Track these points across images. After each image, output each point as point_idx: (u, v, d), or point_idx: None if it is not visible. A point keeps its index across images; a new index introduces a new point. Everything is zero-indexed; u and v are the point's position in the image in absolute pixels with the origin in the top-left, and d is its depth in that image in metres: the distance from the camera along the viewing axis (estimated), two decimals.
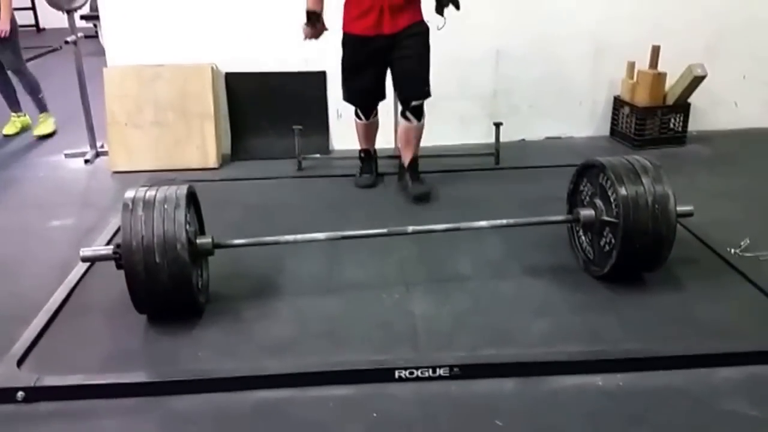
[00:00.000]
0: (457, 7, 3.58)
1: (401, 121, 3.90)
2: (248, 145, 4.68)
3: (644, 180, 2.71)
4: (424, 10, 3.68)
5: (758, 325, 2.64)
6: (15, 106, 5.48)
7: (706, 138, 4.79)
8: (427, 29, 3.70)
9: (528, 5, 4.64)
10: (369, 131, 4.10)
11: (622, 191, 2.69)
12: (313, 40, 3.78)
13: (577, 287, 2.90)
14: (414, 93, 3.79)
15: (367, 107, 3.95)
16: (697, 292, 2.86)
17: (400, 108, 3.90)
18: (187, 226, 2.59)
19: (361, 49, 3.72)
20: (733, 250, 3.12)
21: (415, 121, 3.85)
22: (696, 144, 4.72)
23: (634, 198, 2.68)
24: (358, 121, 4.04)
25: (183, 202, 2.60)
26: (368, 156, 4.19)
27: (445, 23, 3.59)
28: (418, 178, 3.95)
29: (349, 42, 3.76)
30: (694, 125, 4.79)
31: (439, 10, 3.59)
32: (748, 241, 3.16)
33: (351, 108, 3.99)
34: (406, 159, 3.99)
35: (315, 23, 3.70)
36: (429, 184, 3.93)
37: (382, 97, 3.93)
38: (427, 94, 3.80)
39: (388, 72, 3.82)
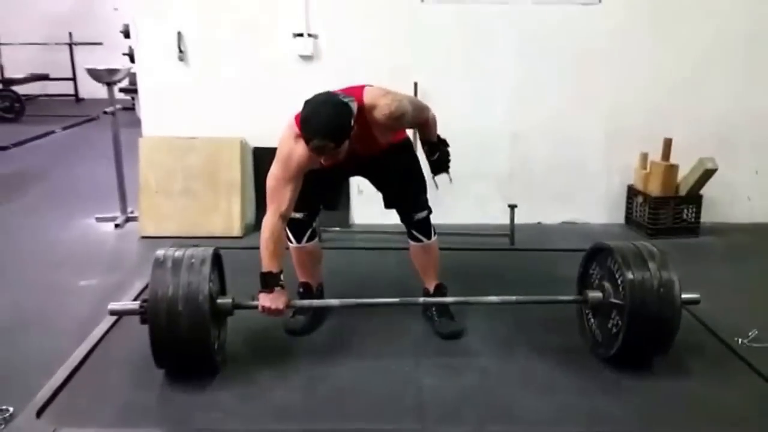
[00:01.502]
0: (447, 171, 3.31)
1: (410, 243, 3.38)
2: None
3: (650, 265, 2.80)
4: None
5: (762, 414, 2.66)
6: None
7: (720, 230, 4.85)
8: (410, 143, 3.32)
9: (542, 92, 4.81)
10: (304, 259, 3.38)
11: (629, 275, 2.77)
12: (274, 317, 2.93)
13: (584, 369, 2.94)
14: (412, 206, 3.29)
15: (306, 210, 3.23)
16: (703, 380, 2.89)
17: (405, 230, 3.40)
18: (210, 284, 2.73)
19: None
20: (740, 340, 3.15)
21: (424, 240, 3.32)
22: (709, 236, 4.78)
23: (641, 281, 2.76)
24: (290, 245, 3.27)
25: (208, 261, 2.77)
26: (307, 292, 3.42)
27: (450, 177, 3.35)
28: (447, 311, 3.35)
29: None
30: (708, 217, 4.86)
31: (435, 174, 3.31)
32: (756, 332, 3.19)
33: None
34: (430, 285, 3.42)
35: (273, 287, 2.85)
36: (460, 321, 3.33)
37: (332, 207, 3.56)
38: (426, 206, 3.32)
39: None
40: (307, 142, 2.71)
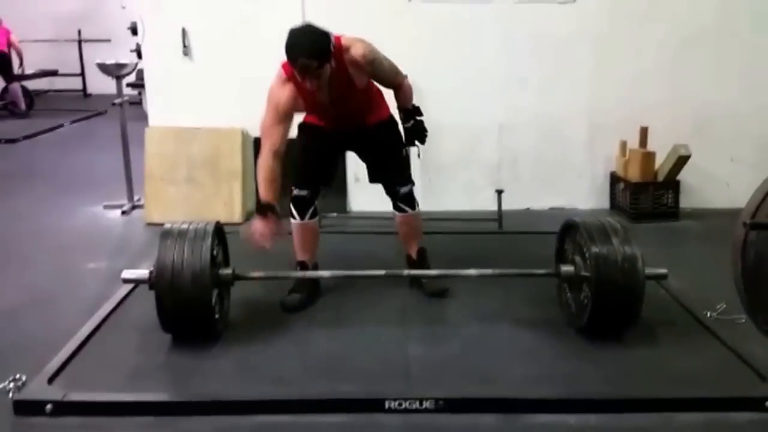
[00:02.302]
0: (422, 140, 3.57)
1: (396, 214, 3.66)
2: None
3: (614, 240, 2.98)
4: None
5: (722, 377, 2.83)
6: None
7: (699, 215, 5.02)
8: (395, 122, 3.59)
9: (527, 86, 5.00)
10: (306, 236, 3.60)
11: (594, 248, 2.96)
12: (265, 245, 3.15)
13: (561, 339, 3.13)
14: (396, 180, 3.58)
15: (309, 187, 3.54)
16: (670, 348, 3.07)
17: (391, 202, 3.68)
18: (213, 252, 2.98)
19: (321, 133, 3.50)
20: (709, 313, 3.32)
21: (408, 210, 3.62)
22: (689, 219, 4.95)
23: (605, 255, 2.93)
24: (292, 221, 3.56)
25: (210, 232, 3.02)
26: (303, 270, 3.61)
27: (420, 152, 3.68)
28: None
29: (309, 126, 3.54)
30: (688, 202, 5.05)
31: (408, 144, 3.58)
32: (725, 305, 3.34)
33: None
34: (412, 251, 3.72)
35: (267, 215, 3.14)
36: (444, 282, 3.63)
37: (328, 183, 3.68)
38: (410, 180, 3.62)
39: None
40: (293, 63, 3.05)
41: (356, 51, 3.20)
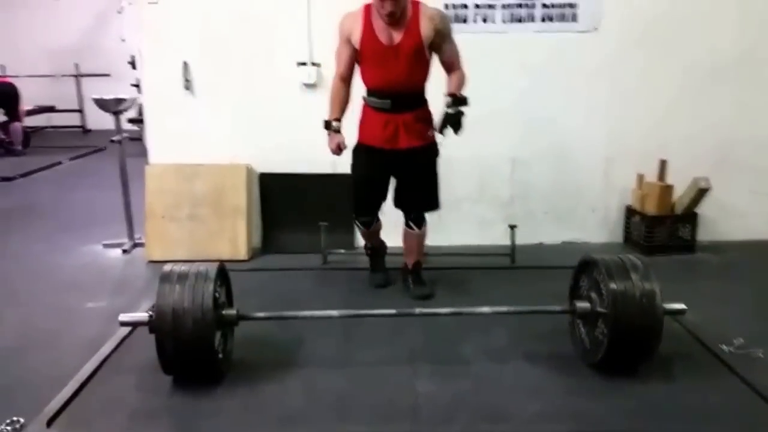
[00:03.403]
0: (456, 130, 3.56)
1: (404, 230, 4.02)
2: (278, 239, 4.96)
3: (633, 276, 2.92)
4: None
5: (740, 413, 2.78)
6: None
7: (716, 247, 4.94)
8: (438, 151, 3.84)
9: (541, 119, 4.92)
10: (372, 236, 4.16)
11: (612, 285, 2.90)
12: (336, 154, 3.75)
13: (574, 375, 3.06)
14: (417, 206, 3.91)
15: (372, 215, 3.98)
16: (687, 383, 3.01)
17: (403, 216, 4.00)
18: (216, 294, 2.89)
19: (375, 159, 3.77)
20: (726, 348, 3.26)
21: (416, 229, 3.96)
22: (705, 252, 4.87)
23: (623, 291, 2.89)
24: (361, 229, 4.10)
25: (213, 275, 2.92)
26: (376, 252, 4.25)
27: (444, 138, 3.69)
28: (420, 281, 4.05)
29: (363, 151, 3.81)
30: (705, 235, 4.97)
31: (441, 130, 3.60)
32: (742, 340, 3.30)
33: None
34: (409, 262, 4.08)
35: (329, 130, 3.71)
36: (430, 287, 4.02)
37: (384, 199, 3.96)
38: (431, 207, 3.92)
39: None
40: None
41: (434, 8, 3.63)
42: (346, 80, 3.71)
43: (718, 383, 3.00)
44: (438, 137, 3.74)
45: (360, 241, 4.88)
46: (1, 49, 10.77)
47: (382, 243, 4.26)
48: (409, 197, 3.90)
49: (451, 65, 3.68)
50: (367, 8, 3.57)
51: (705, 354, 3.26)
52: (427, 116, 3.76)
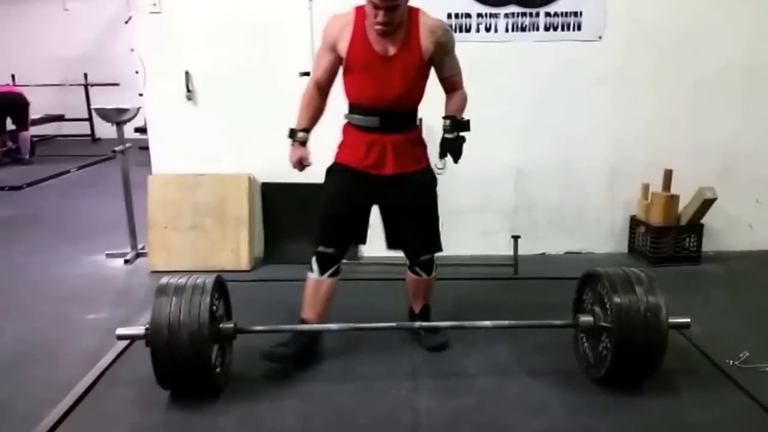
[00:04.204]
0: (456, 159, 3.17)
1: (409, 274, 3.47)
2: (280, 249, 4.92)
3: (637, 289, 2.87)
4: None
5: (746, 429, 2.74)
6: None
7: (722, 258, 4.89)
8: (434, 178, 3.30)
9: (545, 129, 4.89)
10: (319, 294, 3.28)
11: (616, 299, 2.85)
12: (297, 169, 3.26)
13: (577, 390, 3.02)
14: (423, 248, 3.36)
15: (338, 247, 3.27)
16: (691, 399, 2.96)
17: (407, 262, 3.45)
18: (213, 307, 2.85)
19: (354, 182, 3.20)
20: (731, 362, 3.21)
21: (425, 275, 3.41)
22: (711, 263, 4.82)
23: (627, 305, 2.84)
24: (309, 275, 3.28)
25: (210, 287, 2.88)
26: (306, 338, 3.30)
27: (444, 169, 3.28)
28: (432, 328, 3.46)
29: (339, 170, 3.24)
30: (710, 245, 4.93)
31: (441, 156, 3.18)
32: (747, 354, 3.25)
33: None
34: (417, 307, 3.56)
35: (293, 141, 3.25)
36: (444, 333, 3.46)
37: (361, 240, 3.38)
38: (438, 248, 3.39)
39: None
40: None
41: (433, 19, 3.13)
42: (322, 89, 3.22)
43: (724, 399, 2.96)
44: (435, 168, 3.30)
45: (363, 250, 4.85)
46: (14, 58, 10.81)
47: (320, 336, 3.41)
48: (407, 236, 3.33)
49: (452, 84, 3.24)
50: (360, 11, 3.08)
51: (710, 368, 3.21)
52: (419, 139, 3.30)
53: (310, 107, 3.23)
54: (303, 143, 3.22)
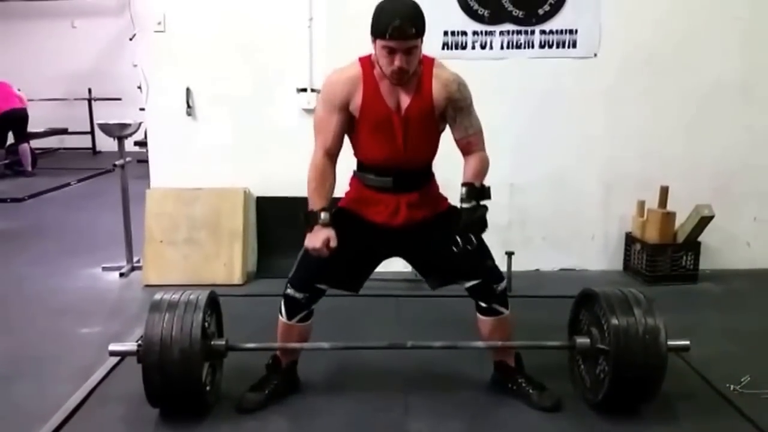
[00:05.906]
0: (478, 233, 2.80)
1: (481, 318, 3.01)
2: (274, 263, 4.88)
3: (636, 311, 2.81)
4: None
5: None
6: None
7: (719, 276, 4.84)
8: (458, 210, 2.85)
9: (539, 145, 4.88)
10: (291, 338, 3.02)
11: (614, 321, 2.79)
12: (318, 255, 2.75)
13: (572, 416, 2.95)
14: (491, 274, 2.95)
15: (306, 298, 2.93)
16: (691, 425, 2.89)
17: (476, 304, 3.03)
18: (205, 325, 2.82)
19: (357, 226, 2.88)
20: (732, 387, 3.15)
21: (505, 311, 2.98)
22: (708, 282, 4.77)
23: (625, 327, 2.77)
24: (279, 318, 2.99)
25: (203, 304, 2.85)
26: (275, 365, 3.09)
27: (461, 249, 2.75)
28: (538, 383, 3.05)
29: (341, 212, 2.91)
30: (707, 263, 4.88)
31: (459, 232, 2.76)
32: (749, 378, 3.19)
33: None
34: (509, 359, 3.10)
35: (313, 226, 2.75)
36: (554, 392, 3.02)
37: (353, 289, 3.06)
38: (497, 273, 2.99)
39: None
40: (385, 28, 2.55)
41: (449, 71, 2.81)
42: (333, 157, 2.83)
43: (726, 426, 2.89)
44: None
45: None
46: (20, 73, 10.87)
47: (293, 362, 3.14)
48: (462, 266, 2.89)
49: (468, 145, 2.88)
50: (365, 63, 2.78)
51: (711, 393, 3.14)
52: (435, 190, 3.02)
53: (324, 184, 2.79)
54: (327, 224, 2.74)
